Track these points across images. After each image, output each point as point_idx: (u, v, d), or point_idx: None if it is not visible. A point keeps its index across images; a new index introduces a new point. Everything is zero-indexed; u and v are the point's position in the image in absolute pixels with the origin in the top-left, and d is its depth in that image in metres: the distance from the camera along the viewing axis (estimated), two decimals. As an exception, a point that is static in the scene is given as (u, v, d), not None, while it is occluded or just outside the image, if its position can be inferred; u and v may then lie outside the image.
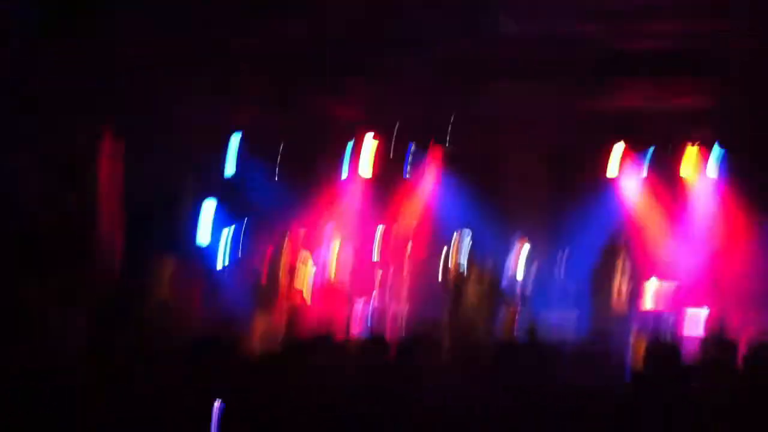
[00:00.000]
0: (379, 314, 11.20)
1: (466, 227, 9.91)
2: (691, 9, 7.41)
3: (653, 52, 8.17)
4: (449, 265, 10.12)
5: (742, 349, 6.09)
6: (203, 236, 11.25)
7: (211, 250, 11.32)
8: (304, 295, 10.74)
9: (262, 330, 9.76)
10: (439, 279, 11.06)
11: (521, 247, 11.78)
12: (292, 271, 10.59)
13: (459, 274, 9.86)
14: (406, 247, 11.87)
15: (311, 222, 11.86)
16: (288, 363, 5.63)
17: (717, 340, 7.11)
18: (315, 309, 10.98)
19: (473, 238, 9.83)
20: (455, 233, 9.89)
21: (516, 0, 7.43)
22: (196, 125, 10.30)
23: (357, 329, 10.55)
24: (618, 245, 10.94)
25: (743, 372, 5.64)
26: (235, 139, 11.28)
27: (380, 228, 11.97)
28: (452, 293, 10.02)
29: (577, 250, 11.71)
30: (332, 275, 11.49)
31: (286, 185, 11.73)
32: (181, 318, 8.95)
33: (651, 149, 11.23)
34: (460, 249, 9.81)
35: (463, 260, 9.84)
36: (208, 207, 11.39)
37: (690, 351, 7.25)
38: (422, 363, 6.02)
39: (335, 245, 11.59)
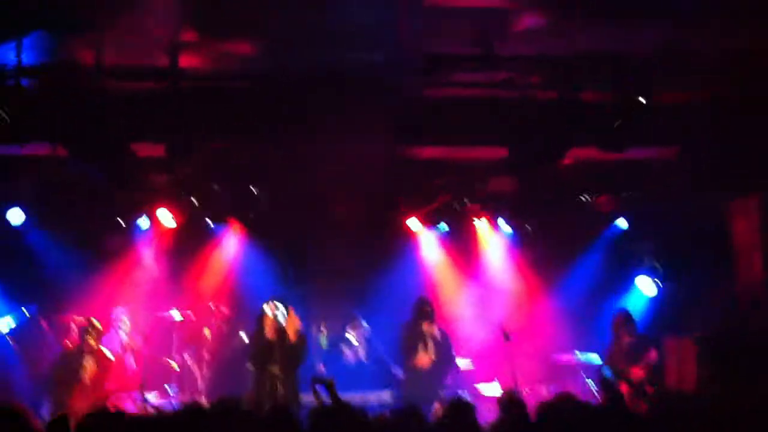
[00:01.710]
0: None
1: (273, 300, 9.59)
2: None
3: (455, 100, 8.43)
4: (256, 339, 9.69)
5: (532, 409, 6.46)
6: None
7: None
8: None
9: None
10: (244, 354, 10.69)
11: (325, 324, 11.68)
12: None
13: (264, 348, 9.45)
14: (205, 327, 11.38)
15: (100, 302, 11.19)
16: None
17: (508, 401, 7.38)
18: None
19: (279, 311, 9.51)
20: (262, 306, 9.56)
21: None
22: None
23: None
24: (423, 311, 10.99)
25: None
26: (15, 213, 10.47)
27: (176, 311, 11.38)
28: (257, 367, 9.60)
29: (381, 320, 11.81)
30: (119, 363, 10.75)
31: (76, 258, 11.04)
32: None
33: (447, 205, 11.51)
34: (271, 313, 9.46)
35: (269, 333, 9.45)
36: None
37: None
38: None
39: (124, 330, 10.85)
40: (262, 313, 9.42)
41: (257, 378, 9.44)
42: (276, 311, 9.32)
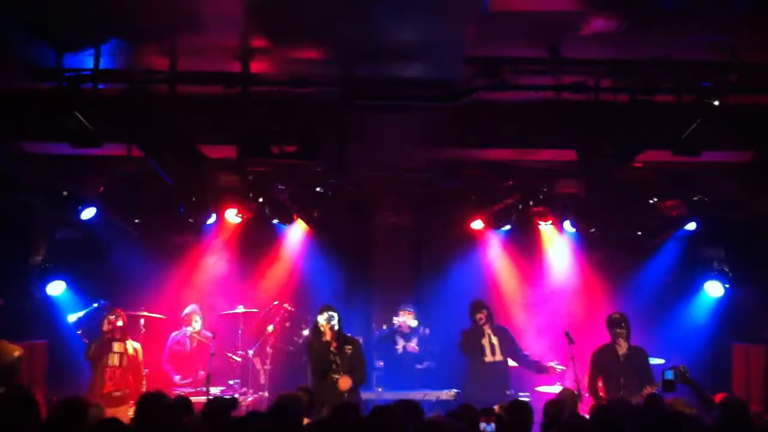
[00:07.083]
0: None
1: (326, 308, 9.62)
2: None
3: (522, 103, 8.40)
4: (316, 339, 9.73)
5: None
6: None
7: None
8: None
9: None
10: (305, 353, 10.79)
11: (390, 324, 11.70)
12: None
13: (325, 348, 9.48)
14: (268, 324, 11.51)
15: (169, 298, 11.44)
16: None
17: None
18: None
19: (340, 312, 9.56)
20: (322, 307, 9.62)
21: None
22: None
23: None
24: (480, 314, 10.92)
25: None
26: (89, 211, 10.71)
27: (241, 307, 11.53)
28: (318, 368, 9.62)
29: (442, 320, 11.79)
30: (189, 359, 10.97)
31: (145, 255, 11.30)
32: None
33: (512, 206, 11.42)
34: (326, 322, 9.49)
35: (330, 333, 9.49)
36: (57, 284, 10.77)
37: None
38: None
39: (195, 327, 11.06)
40: (317, 324, 9.48)
41: (318, 383, 9.40)
42: (332, 321, 9.35)
